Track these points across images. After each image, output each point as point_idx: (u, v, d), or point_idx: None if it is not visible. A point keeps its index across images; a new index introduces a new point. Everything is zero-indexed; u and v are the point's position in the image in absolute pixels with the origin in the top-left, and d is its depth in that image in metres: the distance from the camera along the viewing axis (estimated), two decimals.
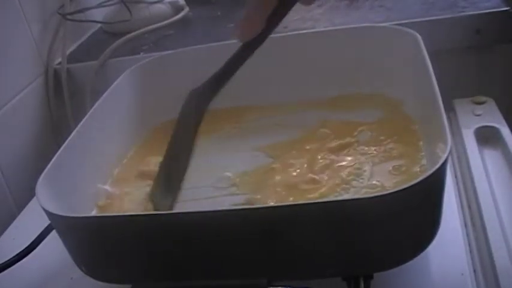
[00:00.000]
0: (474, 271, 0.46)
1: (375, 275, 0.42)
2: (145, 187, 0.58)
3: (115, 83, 0.64)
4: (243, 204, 0.52)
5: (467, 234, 0.50)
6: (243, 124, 0.66)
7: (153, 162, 0.60)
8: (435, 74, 0.51)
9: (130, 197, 0.56)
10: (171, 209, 0.49)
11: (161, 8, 0.93)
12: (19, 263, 0.52)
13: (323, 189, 0.52)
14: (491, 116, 0.62)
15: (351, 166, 0.55)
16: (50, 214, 0.44)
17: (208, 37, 0.81)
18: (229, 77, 0.50)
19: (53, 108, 0.81)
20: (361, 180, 0.52)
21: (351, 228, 0.40)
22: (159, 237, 0.42)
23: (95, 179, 0.57)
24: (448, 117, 0.63)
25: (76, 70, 0.83)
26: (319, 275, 0.42)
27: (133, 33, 0.87)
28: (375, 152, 0.56)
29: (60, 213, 0.43)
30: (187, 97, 0.53)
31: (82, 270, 0.46)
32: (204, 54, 0.69)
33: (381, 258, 0.41)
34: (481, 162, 0.56)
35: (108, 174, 0.60)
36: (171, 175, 0.52)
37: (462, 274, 0.45)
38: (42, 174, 0.48)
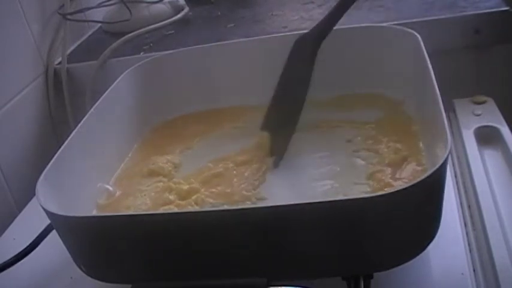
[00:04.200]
0: (474, 271, 0.46)
1: (375, 274, 0.42)
2: (145, 186, 0.58)
3: (115, 83, 0.64)
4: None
5: (467, 234, 0.50)
6: (243, 124, 0.66)
7: (160, 161, 0.60)
8: (435, 74, 0.51)
9: (130, 197, 0.56)
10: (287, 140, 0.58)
11: (161, 8, 0.93)
12: (19, 263, 0.52)
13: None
14: (491, 116, 0.62)
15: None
16: (50, 214, 0.44)
17: (208, 37, 0.81)
18: (340, 16, 0.57)
19: (53, 108, 0.81)
20: None
21: (350, 228, 0.40)
22: (159, 237, 0.42)
23: (94, 178, 0.57)
24: (448, 117, 0.63)
25: (76, 70, 0.83)
26: (319, 274, 0.42)
27: (133, 33, 0.86)
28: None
29: (60, 213, 0.43)
30: (295, 45, 0.60)
31: (82, 270, 0.46)
32: (204, 54, 0.69)
33: (380, 258, 0.41)
34: (481, 162, 0.56)
35: (108, 174, 0.60)
36: (285, 112, 0.59)
37: (462, 274, 0.45)
38: (42, 174, 0.48)
